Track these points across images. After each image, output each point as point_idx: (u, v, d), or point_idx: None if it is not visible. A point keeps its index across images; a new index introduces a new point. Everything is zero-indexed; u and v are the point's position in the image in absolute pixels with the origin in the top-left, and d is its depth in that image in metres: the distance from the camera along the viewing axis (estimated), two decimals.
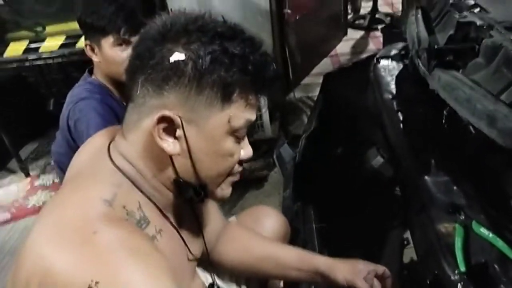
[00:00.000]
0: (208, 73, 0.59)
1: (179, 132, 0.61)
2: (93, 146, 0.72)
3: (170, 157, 0.63)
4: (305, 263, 0.88)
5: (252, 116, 0.65)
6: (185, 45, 0.60)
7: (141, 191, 0.65)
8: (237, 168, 0.69)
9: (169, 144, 0.61)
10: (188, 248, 0.77)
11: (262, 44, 0.65)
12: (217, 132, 0.62)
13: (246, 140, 0.68)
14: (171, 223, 0.71)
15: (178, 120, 0.60)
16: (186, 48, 0.59)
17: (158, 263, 0.56)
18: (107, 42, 1.24)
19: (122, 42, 1.24)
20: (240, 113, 0.63)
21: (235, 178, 0.71)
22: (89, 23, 1.24)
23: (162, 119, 0.60)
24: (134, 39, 1.26)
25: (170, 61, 0.59)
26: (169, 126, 0.61)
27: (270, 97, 0.70)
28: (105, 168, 0.65)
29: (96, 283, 0.49)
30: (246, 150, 0.69)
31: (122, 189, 0.62)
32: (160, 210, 0.68)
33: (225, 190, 0.71)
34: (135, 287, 0.51)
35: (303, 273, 0.88)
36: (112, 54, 1.25)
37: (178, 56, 0.59)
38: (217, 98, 0.60)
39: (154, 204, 0.67)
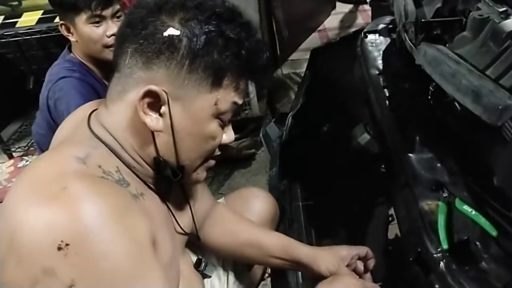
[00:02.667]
0: (201, 54, 0.58)
1: (164, 109, 0.60)
2: (75, 118, 0.70)
3: (152, 133, 0.61)
4: (288, 252, 0.87)
5: (240, 101, 0.65)
6: (181, 21, 0.58)
7: (119, 158, 0.63)
8: (216, 152, 0.68)
9: (153, 120, 0.60)
10: (175, 218, 0.76)
11: (257, 30, 0.65)
12: (203, 113, 0.61)
13: (229, 126, 0.68)
14: (155, 192, 0.69)
15: (165, 96, 0.59)
16: (182, 24, 0.58)
17: (134, 224, 0.54)
18: (81, 20, 1.21)
19: (96, 19, 1.20)
20: (228, 97, 0.62)
21: (212, 163, 0.70)
22: (59, 0, 1.20)
23: (148, 94, 0.58)
24: (107, 12, 1.22)
25: (164, 35, 0.58)
26: (154, 101, 0.59)
27: (261, 85, 0.70)
28: (82, 135, 0.63)
29: (67, 245, 0.48)
30: (228, 134, 0.68)
31: (98, 151, 0.60)
32: (141, 179, 0.66)
33: (200, 174, 0.70)
34: (109, 250, 0.50)
35: (286, 262, 0.88)
36: (88, 31, 1.22)
37: (173, 31, 0.58)
38: (207, 80, 0.59)
39: (134, 172, 0.64)
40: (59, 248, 0.47)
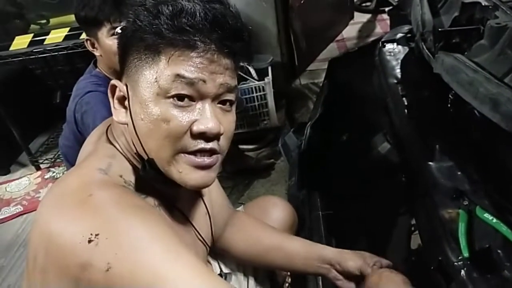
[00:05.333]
0: (132, 33, 0.60)
1: (127, 101, 0.63)
2: (97, 134, 0.74)
3: (127, 129, 0.64)
4: (313, 253, 0.88)
5: (186, 72, 0.57)
6: (127, 15, 0.62)
7: (133, 167, 0.66)
8: (192, 143, 0.60)
9: (120, 113, 0.63)
10: (196, 229, 0.78)
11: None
12: (146, 93, 0.59)
13: (206, 110, 0.60)
14: (172, 202, 0.71)
15: (123, 88, 0.62)
16: (127, 17, 0.62)
17: (156, 216, 0.58)
18: (103, 34, 1.25)
19: (115, 31, 1.25)
20: (164, 70, 0.58)
21: (199, 160, 0.61)
22: (83, 16, 1.26)
23: (112, 89, 0.63)
24: None
25: (118, 35, 0.63)
26: (122, 96, 0.63)
27: (231, 54, 0.60)
28: (102, 145, 0.67)
29: (96, 235, 0.51)
30: (202, 122, 0.59)
31: (116, 160, 0.64)
32: (157, 189, 0.68)
33: (183, 173, 0.61)
34: (136, 231, 0.53)
35: (310, 264, 0.88)
36: (110, 44, 1.26)
37: (118, 29, 0.63)
38: (141, 57, 0.59)
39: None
40: (90, 241, 0.51)
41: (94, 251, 0.51)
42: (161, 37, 0.57)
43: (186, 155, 0.60)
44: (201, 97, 0.60)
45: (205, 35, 0.58)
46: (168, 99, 0.58)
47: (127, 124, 0.63)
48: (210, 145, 0.61)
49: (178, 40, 0.57)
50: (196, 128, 0.59)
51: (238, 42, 0.61)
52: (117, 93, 0.64)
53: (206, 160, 0.61)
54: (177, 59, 0.57)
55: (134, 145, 0.64)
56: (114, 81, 0.63)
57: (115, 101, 0.64)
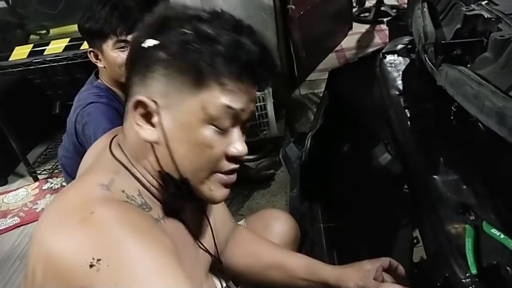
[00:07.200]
0: (178, 57, 0.59)
1: (156, 119, 0.61)
2: (98, 147, 0.73)
3: (152, 146, 0.62)
4: (313, 274, 0.87)
5: (234, 104, 0.60)
6: (162, 31, 0.60)
7: (138, 181, 0.65)
8: (226, 165, 0.64)
9: (146, 131, 0.62)
10: (199, 241, 0.77)
11: (248, 28, 0.62)
12: (191, 119, 0.60)
13: (238, 135, 0.64)
14: (175, 215, 0.70)
15: (153, 106, 0.60)
16: (161, 33, 0.60)
17: (159, 239, 0.57)
18: (108, 46, 1.25)
19: (121, 44, 1.24)
20: (216, 100, 0.59)
21: (227, 178, 0.65)
22: (87, 28, 1.25)
23: (138, 104, 0.61)
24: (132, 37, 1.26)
25: (143, 46, 0.60)
26: (146, 112, 0.61)
27: (263, 86, 0.65)
28: (105, 159, 0.66)
29: (98, 260, 0.50)
30: (236, 145, 0.63)
31: (120, 175, 0.63)
32: (161, 202, 0.67)
33: (214, 190, 0.65)
34: (137, 262, 0.51)
35: (311, 283, 0.87)
36: (115, 56, 1.26)
37: (151, 42, 0.60)
38: (188, 82, 0.59)
39: (154, 196, 0.66)
40: (91, 266, 0.50)
41: (95, 277, 0.50)
42: (213, 65, 0.58)
43: (220, 174, 0.64)
44: (236, 123, 0.63)
45: (254, 71, 0.61)
46: (211, 126, 0.61)
47: (156, 143, 0.62)
48: (235, 165, 0.65)
49: (232, 73, 0.59)
50: (231, 152, 0.63)
51: (272, 79, 0.65)
52: (142, 110, 0.61)
53: (233, 178, 0.66)
54: (226, 90, 0.59)
55: (158, 163, 0.63)
56: (141, 98, 0.60)
57: (139, 117, 0.61)
